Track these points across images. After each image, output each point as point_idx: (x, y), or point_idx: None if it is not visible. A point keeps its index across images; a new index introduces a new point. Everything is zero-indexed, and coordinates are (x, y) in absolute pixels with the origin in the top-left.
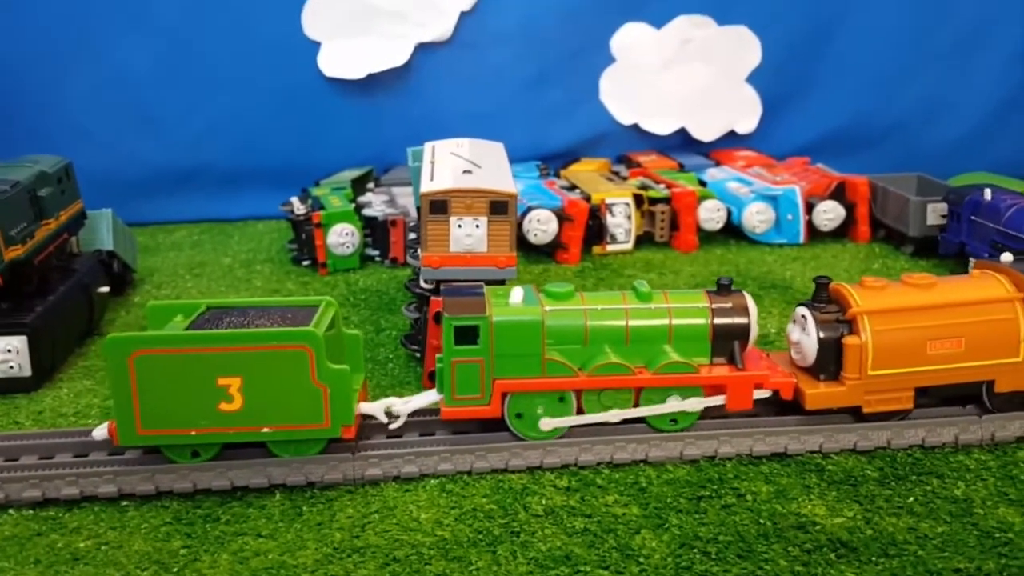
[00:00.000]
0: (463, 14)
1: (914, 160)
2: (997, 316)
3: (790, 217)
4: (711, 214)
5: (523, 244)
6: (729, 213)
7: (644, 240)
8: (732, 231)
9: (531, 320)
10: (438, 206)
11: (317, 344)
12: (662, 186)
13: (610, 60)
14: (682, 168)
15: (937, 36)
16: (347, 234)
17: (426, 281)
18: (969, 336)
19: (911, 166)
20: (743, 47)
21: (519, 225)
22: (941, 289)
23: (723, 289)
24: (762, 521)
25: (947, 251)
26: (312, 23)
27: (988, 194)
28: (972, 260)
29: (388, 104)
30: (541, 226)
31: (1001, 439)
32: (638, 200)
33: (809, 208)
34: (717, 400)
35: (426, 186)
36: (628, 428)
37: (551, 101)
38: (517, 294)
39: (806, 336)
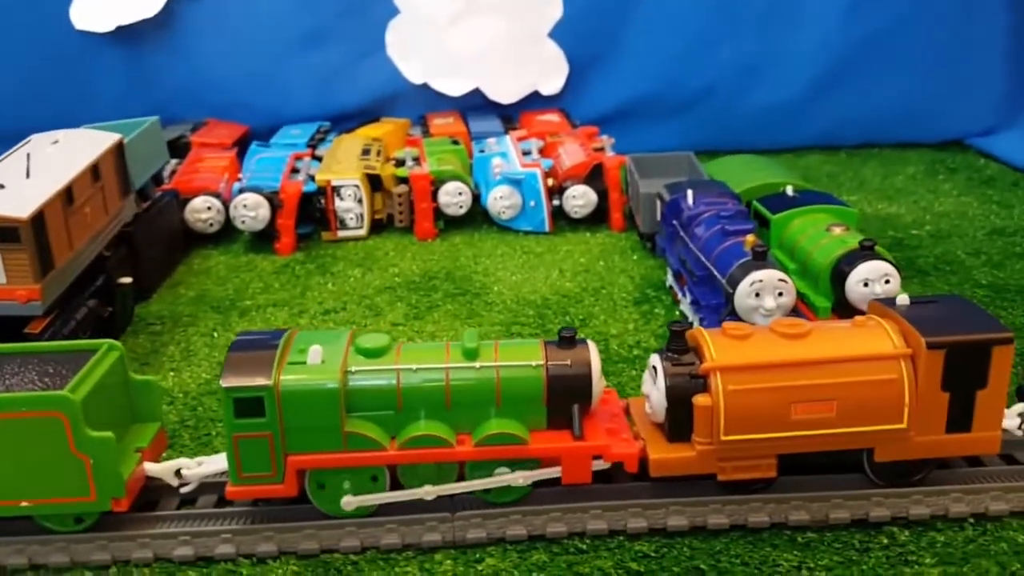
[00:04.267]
0: None
1: (731, 128)
2: (877, 376)
3: (532, 203)
4: (452, 198)
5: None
6: (477, 197)
7: (388, 224)
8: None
9: (326, 387)
10: None
11: (72, 410)
12: (410, 163)
13: (394, 11)
14: (470, 134)
15: None
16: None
17: None
18: (843, 399)
19: (728, 135)
20: None
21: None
22: (814, 340)
23: (565, 342)
24: None
25: (662, 257)
26: None
27: (690, 197)
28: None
29: (153, 60)
30: (248, 212)
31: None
32: (375, 181)
33: (562, 192)
34: (552, 472)
35: None
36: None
37: (333, 56)
38: (315, 352)
39: (656, 390)
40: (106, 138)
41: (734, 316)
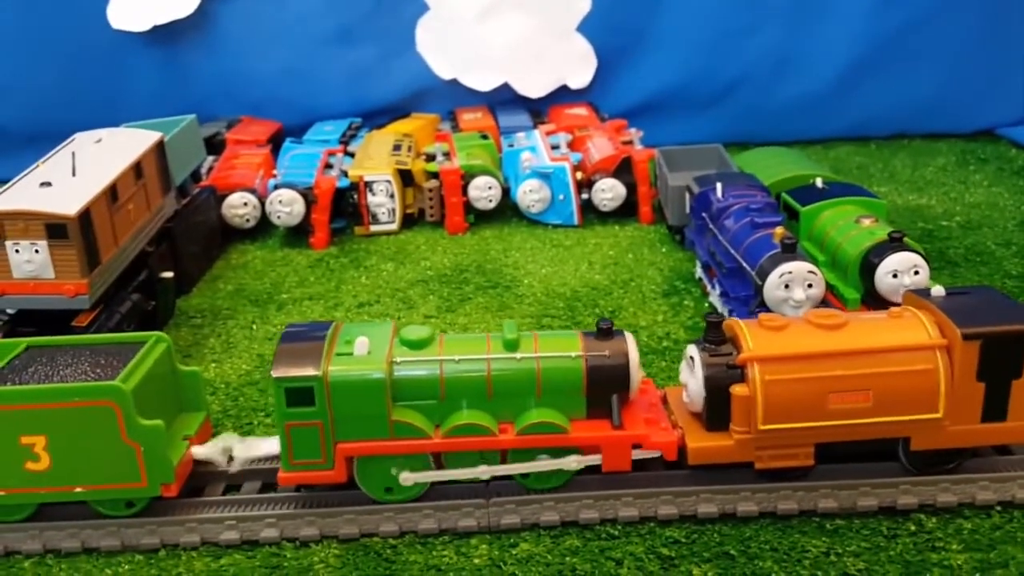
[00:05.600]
0: None
1: (761, 121)
2: (913, 366)
3: (562, 197)
4: (482, 192)
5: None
6: (507, 191)
7: (419, 219)
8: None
9: (373, 378)
10: None
11: (124, 400)
12: (440, 159)
13: (424, 8)
14: (499, 129)
15: None
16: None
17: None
18: (879, 388)
19: (757, 128)
20: None
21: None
22: (850, 331)
23: (603, 333)
24: None
25: (691, 249)
26: None
27: (720, 190)
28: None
29: (188, 59)
30: (284, 207)
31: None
32: (406, 176)
33: (591, 186)
34: (594, 459)
35: None
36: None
37: (364, 53)
38: (362, 344)
39: (694, 380)
40: (148, 136)
41: (764, 308)
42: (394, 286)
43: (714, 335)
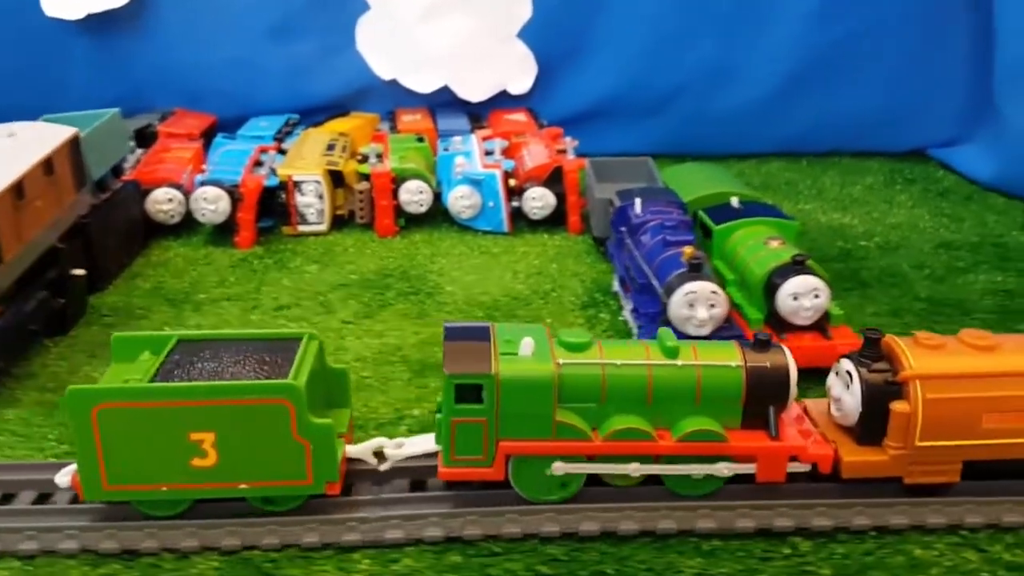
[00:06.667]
0: None
1: (698, 132)
2: None
3: (492, 204)
4: (413, 196)
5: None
6: (439, 195)
7: (349, 220)
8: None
9: (542, 377)
10: None
11: (298, 398)
12: (373, 160)
13: (365, 6)
14: (437, 132)
15: None
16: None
17: None
18: None
19: (694, 139)
20: None
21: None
22: (1002, 353)
23: (761, 345)
24: None
25: (613, 261)
26: None
27: (638, 205)
28: None
29: (124, 48)
30: (209, 205)
31: None
32: (338, 176)
33: (522, 193)
34: (747, 468)
35: None
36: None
37: (304, 49)
38: (528, 345)
39: (849, 395)
40: (62, 131)
41: (669, 326)
42: (315, 289)
43: (871, 351)
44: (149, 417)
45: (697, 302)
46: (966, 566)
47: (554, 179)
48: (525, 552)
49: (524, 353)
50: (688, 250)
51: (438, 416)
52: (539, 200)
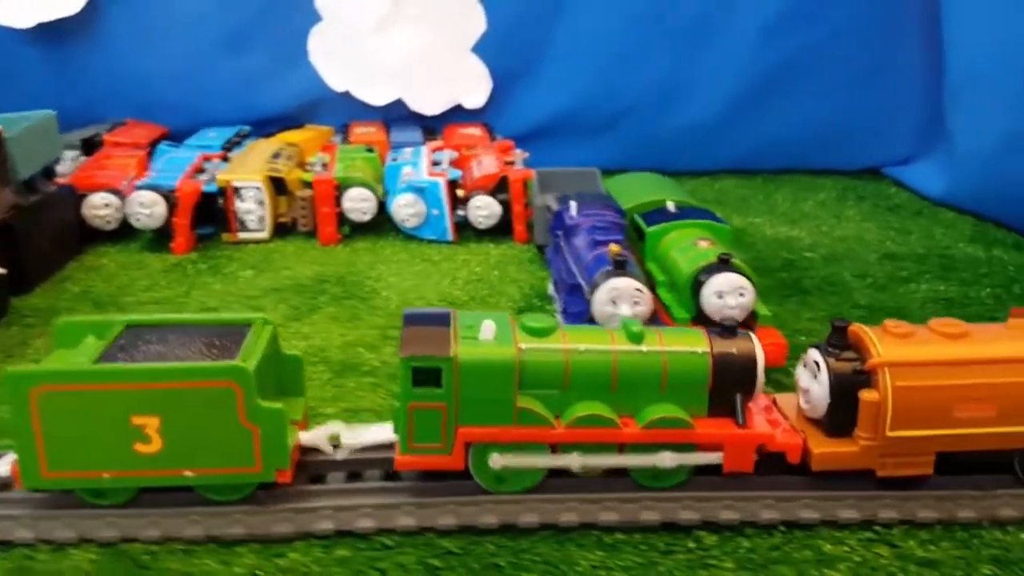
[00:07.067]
0: None
1: (651, 149)
2: None
3: (436, 212)
4: (356, 204)
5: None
6: (383, 205)
7: (292, 228)
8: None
9: (503, 361)
10: None
11: (246, 380)
12: (318, 169)
13: (316, 17)
14: (390, 144)
15: (677, 11)
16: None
17: None
18: (1003, 398)
19: (647, 156)
20: (465, 11)
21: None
22: (973, 341)
23: (727, 331)
24: None
25: (550, 268)
26: None
27: (574, 208)
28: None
29: (75, 58)
30: (144, 210)
31: None
32: (280, 184)
33: (467, 202)
34: (713, 458)
35: None
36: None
37: (256, 60)
38: (488, 328)
39: (816, 385)
40: None
41: (592, 323)
42: (246, 293)
43: (838, 340)
44: (90, 400)
45: (620, 299)
46: (876, 561)
47: (501, 189)
48: (418, 545)
49: (485, 337)
50: (614, 247)
51: (396, 408)
52: (484, 209)
